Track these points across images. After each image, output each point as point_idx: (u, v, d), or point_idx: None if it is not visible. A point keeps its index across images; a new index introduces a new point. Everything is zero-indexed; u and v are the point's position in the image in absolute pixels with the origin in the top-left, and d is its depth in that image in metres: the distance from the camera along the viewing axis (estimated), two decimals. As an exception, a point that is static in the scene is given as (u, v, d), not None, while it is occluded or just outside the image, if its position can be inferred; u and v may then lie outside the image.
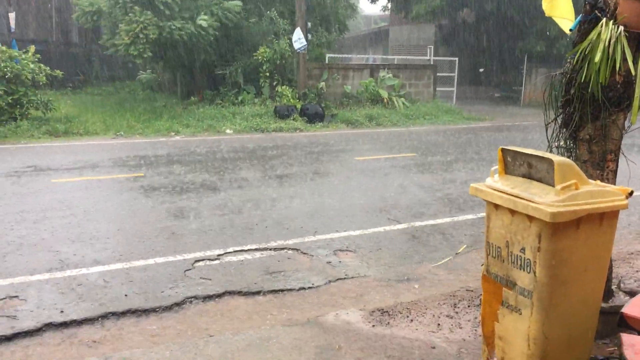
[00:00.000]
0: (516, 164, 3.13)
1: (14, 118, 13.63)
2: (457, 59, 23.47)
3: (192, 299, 4.55)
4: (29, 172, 9.10)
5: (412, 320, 4.16)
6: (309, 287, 4.84)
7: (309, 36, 19.47)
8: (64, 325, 4.10)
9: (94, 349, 3.76)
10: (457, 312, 4.29)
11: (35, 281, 4.81)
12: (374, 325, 4.07)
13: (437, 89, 21.52)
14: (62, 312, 4.26)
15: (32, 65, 14.12)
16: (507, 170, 3.20)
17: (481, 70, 26.72)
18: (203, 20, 16.18)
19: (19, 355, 3.69)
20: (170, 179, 8.81)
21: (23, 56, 14.22)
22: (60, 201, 7.34)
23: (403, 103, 18.68)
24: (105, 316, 4.24)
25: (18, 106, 13.81)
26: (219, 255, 5.52)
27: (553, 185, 2.84)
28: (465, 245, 5.94)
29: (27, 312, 4.24)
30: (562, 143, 3.88)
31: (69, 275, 4.95)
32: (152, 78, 22.76)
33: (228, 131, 14.62)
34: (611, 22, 3.45)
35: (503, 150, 3.18)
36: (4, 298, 4.47)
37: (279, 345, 3.74)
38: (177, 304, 4.46)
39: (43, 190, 7.94)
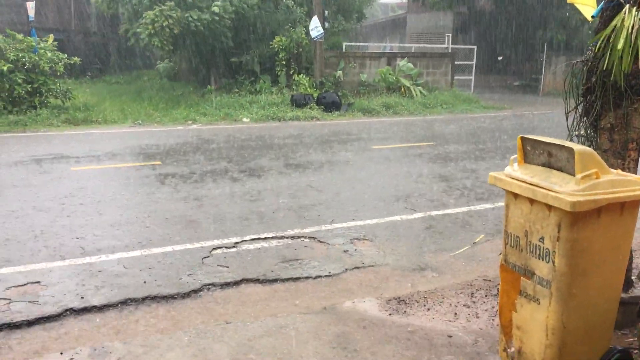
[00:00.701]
0: (536, 152, 3.10)
1: (33, 106, 13.79)
2: (475, 47, 23.21)
3: (210, 286, 4.59)
4: (48, 160, 9.21)
5: (429, 309, 4.15)
6: (326, 276, 4.85)
7: (326, 24, 19.39)
8: (85, 310, 4.16)
9: (113, 334, 3.81)
10: (474, 302, 4.28)
11: (56, 267, 4.88)
12: (390, 314, 4.08)
13: (455, 77, 21.33)
14: (82, 298, 4.32)
15: (50, 54, 14.24)
16: (527, 159, 3.17)
17: (500, 58, 26.39)
18: (216, 6, 16.18)
19: (41, 339, 3.75)
20: (188, 168, 8.86)
21: (42, 45, 14.34)
22: (80, 189, 7.43)
23: (420, 92, 18.55)
24: (124, 302, 4.29)
25: (37, 95, 13.96)
26: (236, 243, 5.56)
27: (573, 175, 2.81)
28: (482, 235, 5.91)
29: (49, 298, 4.31)
30: (582, 132, 3.83)
31: (89, 262, 5.02)
32: (169, 67, 22.85)
33: (245, 120, 14.65)
34: (634, 8, 3.39)
35: (522, 138, 3.15)
36: (25, 284, 4.54)
37: (296, 332, 3.76)
38: (195, 291, 4.50)
39: (63, 178, 8.04)
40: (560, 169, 2.94)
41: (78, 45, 23.96)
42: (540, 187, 2.85)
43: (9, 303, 4.20)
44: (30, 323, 3.95)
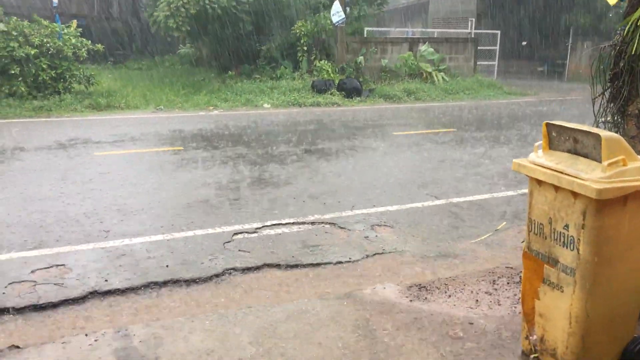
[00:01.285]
0: (561, 139, 3.05)
1: (57, 92, 13.94)
2: (499, 31, 22.85)
3: (231, 271, 4.63)
4: (72, 145, 9.33)
5: (450, 296, 4.14)
6: (346, 261, 4.86)
7: (348, 9, 19.23)
8: (108, 293, 4.22)
9: (136, 317, 3.87)
10: (496, 289, 4.25)
11: (81, 250, 4.95)
12: (411, 300, 4.07)
13: (478, 62, 21.05)
14: (106, 280, 4.39)
15: (74, 40, 14.36)
16: (552, 145, 3.11)
17: (524, 43, 25.96)
18: None
19: (65, 321, 3.82)
20: (209, 153, 8.91)
21: (65, 31, 14.46)
22: (103, 173, 7.52)
23: (442, 77, 18.36)
24: (147, 285, 4.34)
25: (61, 80, 14.11)
26: (257, 228, 5.58)
27: (600, 161, 2.76)
28: (505, 222, 5.86)
29: (73, 280, 4.38)
30: (609, 118, 3.77)
31: (112, 246, 5.08)
32: (191, 52, 22.90)
33: (265, 105, 14.65)
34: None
35: (548, 124, 3.09)
36: (51, 266, 4.62)
37: (317, 318, 3.78)
38: (217, 275, 4.54)
39: (86, 163, 8.14)
40: (586, 156, 2.89)
41: (101, 31, 24.10)
42: (566, 174, 2.81)
43: (35, 285, 4.29)
44: (55, 305, 4.03)
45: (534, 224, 3.09)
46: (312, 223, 5.77)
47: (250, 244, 5.19)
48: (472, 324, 3.71)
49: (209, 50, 21.06)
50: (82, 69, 14.69)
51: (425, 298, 4.10)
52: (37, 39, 13.48)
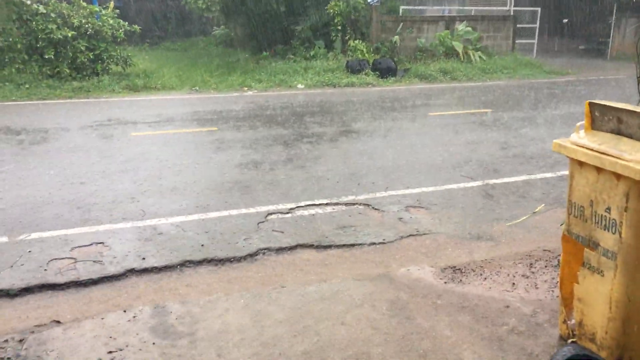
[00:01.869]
0: (604, 119, 2.94)
1: (95, 73, 14.16)
2: (539, 9, 22.19)
3: (265, 251, 4.66)
4: (110, 126, 9.48)
5: (485, 279, 4.08)
6: (380, 243, 4.84)
7: (382, -13, 18.95)
8: (146, 271, 4.30)
9: (172, 295, 3.93)
10: (533, 272, 4.18)
11: (119, 229, 5.06)
12: (445, 282, 4.03)
13: (517, 41, 20.51)
14: (143, 259, 4.47)
15: (111, 21, 14.53)
16: (594, 125, 3.01)
17: (565, 21, 25.18)
18: None
19: (105, 297, 3.91)
20: (243, 133, 8.95)
21: (103, 12, 14.64)
22: (140, 153, 7.63)
23: (480, 56, 17.97)
24: (183, 264, 4.41)
25: (99, 62, 14.32)
26: (290, 209, 5.60)
27: (645, 142, 2.66)
28: (543, 205, 5.74)
29: (112, 258, 4.48)
30: (655, 97, 3.63)
31: (149, 225, 5.17)
32: (225, 33, 22.94)
33: (299, 86, 14.62)
34: None
35: (591, 104, 2.99)
36: (90, 244, 4.73)
37: (350, 298, 3.78)
38: (251, 255, 4.58)
39: (124, 143, 8.27)
40: (630, 136, 2.78)
41: (137, 12, 24.34)
42: (609, 155, 2.72)
43: (75, 262, 4.40)
44: (95, 282, 4.13)
45: (574, 206, 3.01)
46: (346, 204, 5.76)
47: (284, 225, 5.21)
48: (508, 307, 3.66)
49: (242, 31, 21.05)
50: (119, 50, 14.87)
51: (460, 280, 4.06)
52: (75, 20, 13.67)
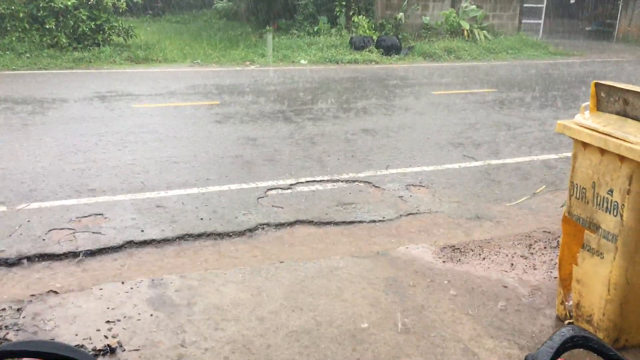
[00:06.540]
0: (610, 100, 2.91)
1: (97, 44, 14.03)
2: (546, -12, 21.94)
3: (265, 226, 4.65)
4: (111, 97, 9.42)
5: (484, 259, 4.08)
6: (380, 220, 4.83)
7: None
8: (144, 243, 4.30)
9: (171, 267, 3.93)
10: (532, 253, 4.18)
11: (118, 201, 5.04)
12: (444, 261, 4.03)
13: (523, 21, 20.31)
14: (142, 231, 4.47)
15: (113, -9, 14.37)
16: (600, 106, 2.98)
17: (572, 1, 24.87)
18: None
19: (103, 269, 3.91)
20: (245, 108, 8.89)
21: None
22: (140, 126, 7.59)
23: (485, 36, 17.80)
24: (182, 237, 4.41)
25: (101, 32, 14.18)
26: (290, 184, 5.58)
27: (651, 124, 2.63)
28: (544, 186, 5.72)
29: (111, 230, 4.47)
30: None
31: (149, 197, 5.16)
32: (228, 7, 22.70)
33: (302, 62, 14.49)
34: None
35: (597, 84, 2.95)
36: (89, 215, 4.72)
37: (348, 275, 3.78)
38: (250, 230, 4.57)
39: (124, 115, 8.22)
40: (635, 118, 2.75)
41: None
42: (613, 137, 2.69)
43: (74, 233, 4.39)
44: (93, 253, 4.12)
45: (576, 188, 2.99)
46: (347, 181, 5.74)
47: (284, 200, 5.20)
48: (506, 287, 3.66)
49: (246, 4, 20.83)
50: (121, 21, 14.72)
51: (459, 260, 4.06)
52: (77, -11, 13.51)
